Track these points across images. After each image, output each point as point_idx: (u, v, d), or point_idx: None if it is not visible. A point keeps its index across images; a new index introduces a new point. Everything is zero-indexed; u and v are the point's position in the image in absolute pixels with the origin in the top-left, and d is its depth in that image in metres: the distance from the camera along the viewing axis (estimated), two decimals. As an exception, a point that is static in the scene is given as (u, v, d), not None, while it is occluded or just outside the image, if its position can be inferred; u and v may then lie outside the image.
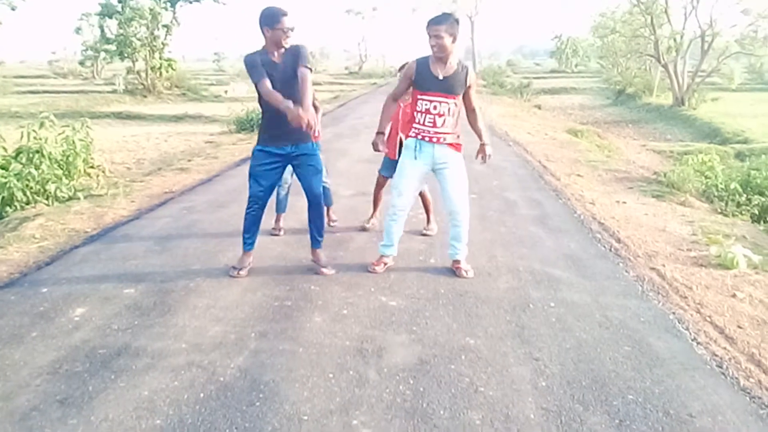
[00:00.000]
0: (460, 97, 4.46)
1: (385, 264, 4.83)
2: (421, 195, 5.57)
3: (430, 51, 4.37)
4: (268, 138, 4.47)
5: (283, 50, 4.28)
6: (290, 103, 4.08)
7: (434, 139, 4.48)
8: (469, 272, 4.71)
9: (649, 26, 26.99)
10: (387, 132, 5.32)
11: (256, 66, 4.22)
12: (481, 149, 4.69)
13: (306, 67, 4.26)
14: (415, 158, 4.55)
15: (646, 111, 27.03)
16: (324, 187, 5.64)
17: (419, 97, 4.45)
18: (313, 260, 4.82)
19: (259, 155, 4.49)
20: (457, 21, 4.37)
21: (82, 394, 3.01)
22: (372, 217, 5.95)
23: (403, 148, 4.74)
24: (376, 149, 4.70)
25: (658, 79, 30.63)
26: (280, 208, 5.84)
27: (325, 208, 4.83)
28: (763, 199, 8.45)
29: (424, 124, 4.47)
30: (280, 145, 4.43)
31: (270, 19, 4.18)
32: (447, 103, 4.40)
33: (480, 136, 4.69)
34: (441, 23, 4.25)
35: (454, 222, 4.71)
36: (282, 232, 5.75)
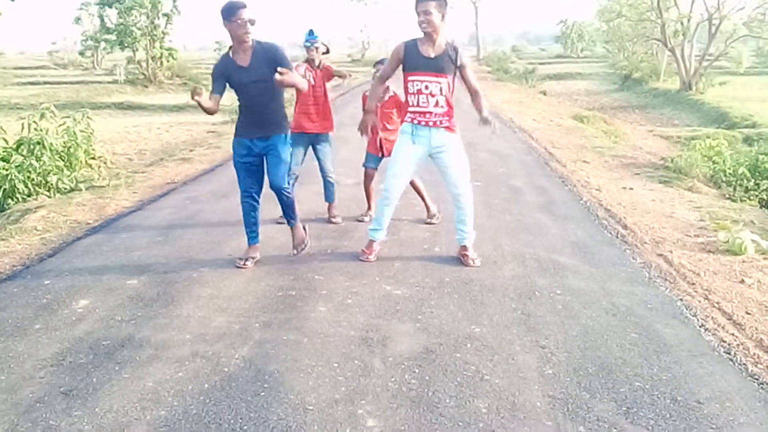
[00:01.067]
0: (452, 77, 4.42)
1: (375, 250, 4.79)
2: (412, 184, 5.51)
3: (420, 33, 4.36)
4: (241, 129, 4.47)
5: (248, 47, 4.21)
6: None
7: (430, 123, 4.45)
8: (476, 261, 4.67)
9: (656, 10, 26.72)
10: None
11: (214, 81, 4.28)
12: (482, 120, 4.51)
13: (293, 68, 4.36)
14: (413, 143, 4.52)
15: (653, 96, 26.83)
16: (329, 182, 5.63)
17: (410, 78, 4.41)
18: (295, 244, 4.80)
19: (236, 147, 4.50)
20: (446, 0, 4.33)
21: (87, 386, 2.99)
22: (369, 209, 5.90)
23: (399, 133, 4.70)
24: (364, 131, 4.68)
25: (665, 64, 30.37)
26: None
27: (294, 199, 4.81)
28: (771, 184, 8.37)
29: (418, 105, 4.43)
30: (251, 136, 4.41)
31: (227, 12, 4.10)
32: (438, 82, 4.37)
33: (480, 112, 4.54)
34: (430, 0, 4.22)
35: (458, 205, 4.68)
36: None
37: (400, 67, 4.51)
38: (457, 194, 4.63)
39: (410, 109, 4.50)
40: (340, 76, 5.96)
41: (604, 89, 31.40)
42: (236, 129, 4.51)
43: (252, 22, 4.13)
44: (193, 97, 4.07)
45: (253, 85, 4.25)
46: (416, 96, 4.43)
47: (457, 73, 4.46)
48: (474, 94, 4.56)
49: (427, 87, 4.38)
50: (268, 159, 4.50)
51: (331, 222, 5.82)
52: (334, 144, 5.75)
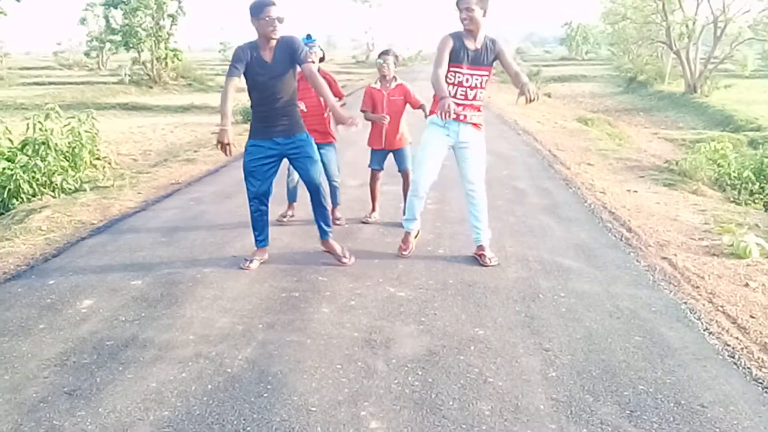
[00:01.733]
0: (490, 68, 4.49)
1: (412, 243, 4.88)
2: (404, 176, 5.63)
3: (458, 29, 4.39)
4: (259, 131, 4.41)
5: (273, 44, 4.23)
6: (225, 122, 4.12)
7: (461, 117, 4.46)
8: (494, 260, 4.69)
9: (661, 12, 26.67)
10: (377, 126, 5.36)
11: (235, 61, 4.19)
12: (522, 89, 4.28)
13: (307, 62, 4.27)
14: (444, 135, 4.54)
15: (658, 99, 26.77)
16: (333, 186, 5.61)
17: (452, 69, 4.39)
18: (327, 251, 4.79)
19: (253, 150, 4.43)
20: None
21: (90, 386, 3.00)
22: (373, 211, 5.90)
23: (428, 123, 4.68)
24: (448, 113, 4.12)
25: (670, 66, 30.32)
26: (292, 197, 5.84)
27: (330, 207, 4.80)
28: (776, 188, 8.35)
29: (455, 96, 4.41)
30: (272, 136, 4.38)
31: (256, 9, 4.14)
32: (480, 75, 4.44)
33: (518, 82, 4.35)
34: None
35: (471, 201, 4.70)
36: (286, 219, 5.75)
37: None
38: (472, 190, 4.66)
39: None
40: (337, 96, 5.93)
41: (608, 92, 31.35)
42: (252, 131, 4.43)
43: (281, 20, 4.16)
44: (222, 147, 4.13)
45: (273, 81, 4.26)
46: (455, 87, 4.43)
47: (494, 64, 4.51)
48: (515, 76, 4.44)
49: (468, 80, 4.42)
50: (299, 161, 4.48)
51: (335, 224, 5.83)
52: (338, 147, 5.73)
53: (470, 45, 4.37)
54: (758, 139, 14.76)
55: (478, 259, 4.72)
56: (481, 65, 4.41)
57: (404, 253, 4.83)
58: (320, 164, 4.57)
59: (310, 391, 2.96)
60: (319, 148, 5.40)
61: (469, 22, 4.29)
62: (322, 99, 4.98)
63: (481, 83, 4.45)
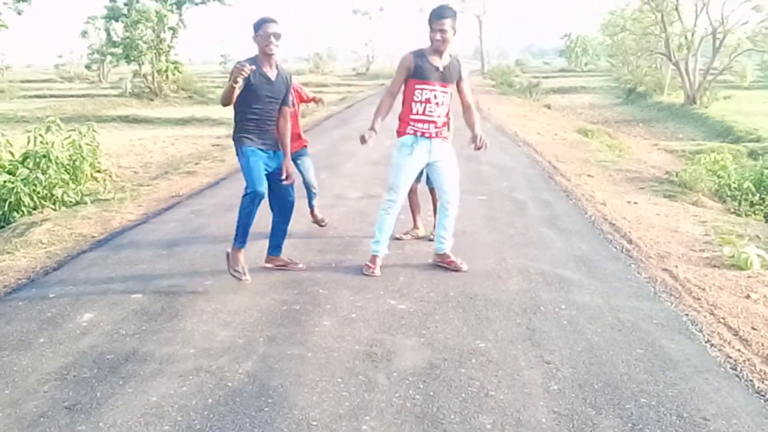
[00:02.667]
0: (455, 87, 4.56)
1: (378, 265, 4.78)
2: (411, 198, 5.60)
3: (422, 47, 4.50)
4: (252, 141, 4.43)
5: (273, 62, 4.38)
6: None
7: (431, 134, 4.53)
8: (464, 265, 4.78)
9: (660, 24, 26.79)
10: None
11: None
12: (473, 138, 4.58)
13: (288, 106, 4.59)
14: (411, 154, 4.58)
15: (657, 110, 26.83)
16: (312, 193, 5.87)
17: (418, 87, 4.47)
18: (278, 265, 4.82)
19: (252, 153, 4.43)
20: (455, 14, 4.46)
21: (90, 400, 2.99)
22: (415, 227, 5.79)
23: (399, 146, 4.66)
24: (363, 142, 4.52)
25: (669, 78, 30.41)
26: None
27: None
28: (776, 198, 8.36)
29: (424, 114, 4.49)
30: (265, 149, 4.49)
31: (256, 26, 4.32)
32: (446, 92, 4.51)
33: (473, 128, 4.60)
34: (446, 17, 4.35)
35: (445, 213, 4.76)
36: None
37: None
38: (448, 201, 4.73)
39: (413, 117, 4.54)
40: (315, 101, 6.03)
41: (608, 103, 31.43)
42: (246, 140, 4.43)
43: (277, 36, 4.30)
44: (237, 76, 4.04)
45: (269, 100, 4.41)
46: (423, 104, 4.49)
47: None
48: (467, 109, 4.65)
49: (435, 96, 4.48)
50: (277, 177, 4.60)
51: (321, 225, 5.92)
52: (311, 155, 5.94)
53: (436, 62, 4.43)
54: (758, 150, 14.79)
55: (447, 266, 4.79)
56: (447, 82, 4.50)
57: (374, 272, 4.68)
58: (309, 181, 4.68)
59: (311, 404, 2.95)
60: (295, 158, 5.39)
61: (441, 43, 4.37)
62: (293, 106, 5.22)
63: (449, 100, 4.53)
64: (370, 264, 4.77)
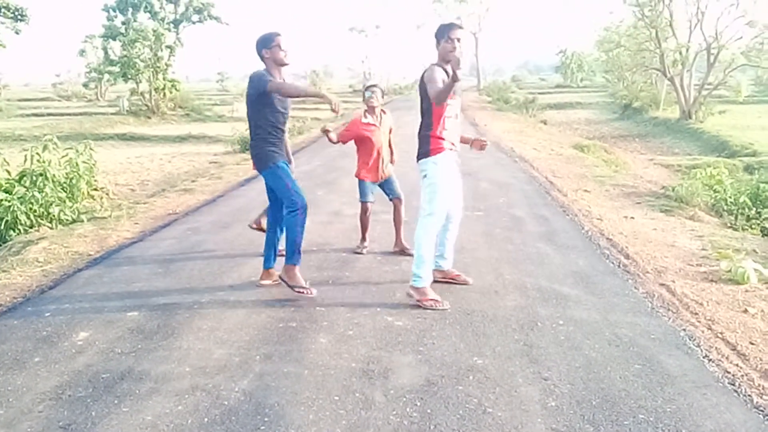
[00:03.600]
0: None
1: (455, 277, 4.86)
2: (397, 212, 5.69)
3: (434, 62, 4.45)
4: (279, 154, 4.54)
5: (284, 74, 4.50)
6: (317, 90, 4.39)
7: (456, 148, 4.54)
8: (470, 278, 4.82)
9: (654, 40, 27.00)
10: (373, 158, 5.40)
11: (262, 76, 4.35)
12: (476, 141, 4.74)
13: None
14: (454, 169, 4.56)
15: (653, 125, 26.96)
16: None
17: (449, 101, 4.34)
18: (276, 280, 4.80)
19: (286, 165, 4.59)
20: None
21: (85, 420, 2.97)
22: (363, 240, 5.86)
23: (443, 162, 4.43)
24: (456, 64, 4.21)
25: (665, 93, 30.60)
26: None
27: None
28: (772, 213, 8.37)
29: (453, 129, 4.46)
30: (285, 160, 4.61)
31: (266, 41, 4.43)
32: (457, 105, 4.52)
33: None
34: (461, 28, 4.40)
35: (449, 227, 4.72)
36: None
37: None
38: (454, 215, 4.71)
39: (444, 135, 4.41)
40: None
41: (604, 118, 31.57)
42: (275, 154, 4.52)
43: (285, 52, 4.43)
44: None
45: (284, 112, 4.56)
46: (452, 120, 4.46)
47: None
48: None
49: (454, 109, 4.48)
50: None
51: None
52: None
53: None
54: (754, 165, 14.85)
55: (453, 279, 4.80)
56: (458, 95, 4.49)
57: (438, 305, 4.41)
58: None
59: (307, 423, 2.93)
60: None
61: (459, 53, 4.32)
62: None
63: (456, 115, 4.52)
64: (430, 298, 4.44)
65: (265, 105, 4.42)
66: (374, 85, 5.56)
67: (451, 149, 4.46)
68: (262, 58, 4.45)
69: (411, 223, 5.83)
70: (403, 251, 5.69)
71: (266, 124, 4.47)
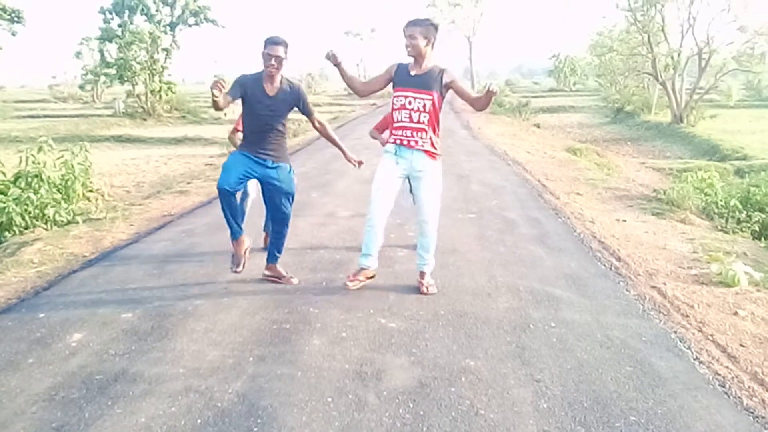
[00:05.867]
0: (437, 96, 4.50)
1: (365, 278, 4.81)
2: None
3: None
4: (248, 148, 4.66)
5: (275, 80, 4.54)
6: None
7: (411, 143, 4.53)
8: (431, 288, 4.73)
9: (647, 44, 27.17)
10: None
11: (234, 85, 4.50)
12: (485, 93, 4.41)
13: (314, 114, 4.82)
14: (396, 162, 4.59)
15: (645, 129, 27.10)
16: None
17: (396, 93, 4.56)
18: (272, 275, 4.97)
19: (239, 154, 4.67)
20: (435, 26, 4.52)
21: (79, 421, 2.97)
22: None
23: (383, 154, 4.71)
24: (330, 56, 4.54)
25: (657, 97, 30.77)
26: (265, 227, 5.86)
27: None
28: (763, 216, 8.45)
29: (401, 120, 4.54)
30: (260, 157, 4.64)
31: (266, 42, 4.49)
32: (422, 98, 4.48)
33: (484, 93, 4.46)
34: (416, 25, 4.44)
35: (422, 232, 4.74)
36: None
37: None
38: (424, 221, 4.69)
39: (395, 127, 4.60)
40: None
41: (596, 122, 31.70)
42: (242, 146, 4.73)
43: (278, 60, 4.47)
44: (212, 88, 4.16)
45: (268, 115, 4.58)
46: (399, 111, 4.55)
47: (446, 95, 4.58)
48: (476, 102, 4.53)
49: (410, 102, 4.50)
50: (276, 190, 4.73)
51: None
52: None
53: (413, 71, 4.52)
54: (744, 168, 14.98)
55: (418, 287, 4.76)
56: (422, 88, 4.48)
57: (347, 283, 4.72)
58: (291, 198, 4.82)
59: (300, 425, 2.95)
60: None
61: (411, 49, 4.45)
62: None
63: (424, 107, 4.48)
64: (351, 277, 4.77)
65: (247, 106, 4.61)
66: None
67: (397, 141, 4.58)
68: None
69: (404, 224, 5.89)
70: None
71: (246, 122, 4.69)
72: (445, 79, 4.50)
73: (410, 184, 4.95)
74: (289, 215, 4.84)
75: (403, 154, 4.57)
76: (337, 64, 4.52)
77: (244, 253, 4.85)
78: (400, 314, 4.31)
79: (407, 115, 4.51)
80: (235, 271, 4.86)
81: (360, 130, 18.37)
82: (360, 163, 4.97)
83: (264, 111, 4.56)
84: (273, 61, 4.44)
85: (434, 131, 4.57)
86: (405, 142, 4.55)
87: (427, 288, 4.71)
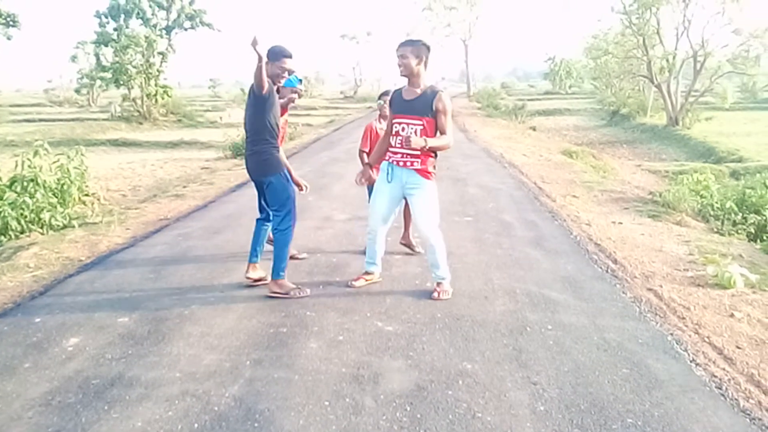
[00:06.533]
0: (430, 120, 4.51)
1: (367, 280, 4.97)
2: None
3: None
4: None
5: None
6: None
7: (401, 163, 4.61)
8: (443, 294, 4.72)
9: (642, 47, 27.25)
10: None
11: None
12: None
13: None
14: (388, 181, 4.69)
15: (641, 131, 27.19)
16: None
17: (393, 120, 4.64)
18: (255, 280, 4.94)
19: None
20: (426, 47, 4.57)
21: (75, 426, 2.97)
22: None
23: (379, 172, 4.86)
24: (360, 182, 4.96)
25: (652, 100, 30.88)
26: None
27: None
28: (758, 218, 8.47)
29: (395, 146, 4.62)
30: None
31: (275, 55, 4.57)
32: (413, 124, 4.51)
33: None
34: (407, 45, 4.51)
35: (426, 248, 4.82)
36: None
37: None
38: (424, 237, 4.75)
39: (390, 149, 4.69)
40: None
41: (592, 125, 31.79)
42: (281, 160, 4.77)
43: (290, 72, 4.65)
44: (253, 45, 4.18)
45: (277, 120, 4.70)
46: (395, 137, 4.62)
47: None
48: (441, 133, 4.57)
49: (404, 129, 4.55)
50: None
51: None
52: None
53: (407, 96, 4.56)
54: (740, 170, 15.02)
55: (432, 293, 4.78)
56: (414, 115, 4.50)
57: (353, 283, 4.92)
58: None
59: (297, 429, 2.95)
60: None
61: (403, 68, 4.50)
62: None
63: (416, 132, 4.48)
64: (355, 278, 4.98)
65: (268, 110, 4.56)
66: (386, 93, 5.62)
67: (390, 160, 4.68)
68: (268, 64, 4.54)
69: (401, 227, 5.88)
70: (408, 246, 5.87)
71: (271, 129, 4.63)
72: (435, 105, 4.49)
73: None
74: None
75: (395, 173, 4.66)
76: (372, 167, 4.90)
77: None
78: (397, 317, 4.31)
79: (400, 141, 4.57)
80: (305, 295, 4.72)
81: (356, 134, 18.36)
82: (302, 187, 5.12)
83: (277, 116, 4.68)
84: (285, 74, 4.68)
85: (429, 154, 4.59)
86: (396, 162, 4.64)
87: (439, 294, 4.72)
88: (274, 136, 4.66)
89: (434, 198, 4.69)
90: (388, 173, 4.68)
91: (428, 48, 4.56)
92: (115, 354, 3.75)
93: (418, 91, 4.53)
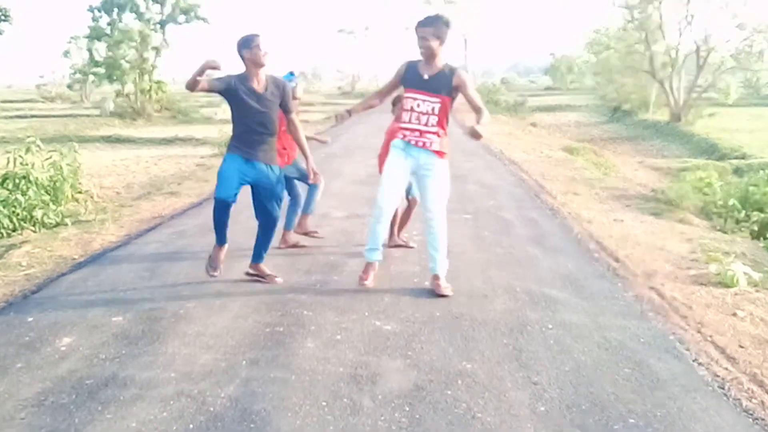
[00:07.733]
0: (447, 99, 4.48)
1: (373, 272, 4.83)
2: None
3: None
4: (239, 149, 4.62)
5: (262, 76, 4.55)
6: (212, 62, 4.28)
7: (419, 143, 4.53)
8: (448, 290, 4.66)
9: (644, 42, 27.19)
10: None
11: (219, 78, 4.52)
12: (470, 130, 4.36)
13: (293, 113, 4.80)
14: (405, 158, 4.59)
15: (643, 127, 27.10)
16: (314, 186, 5.88)
17: (405, 95, 4.58)
18: (255, 274, 4.96)
19: (230, 159, 4.64)
20: (446, 24, 4.49)
21: (68, 427, 2.91)
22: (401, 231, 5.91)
23: (390, 148, 4.74)
24: (337, 120, 4.99)
25: (654, 95, 30.76)
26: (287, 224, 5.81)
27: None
28: (762, 216, 8.41)
29: (410, 122, 4.53)
30: (251, 159, 4.61)
31: (246, 42, 4.51)
32: (430, 101, 4.47)
33: (478, 120, 4.41)
34: (428, 25, 4.41)
35: (429, 230, 4.71)
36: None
37: None
38: (430, 218, 4.66)
39: (402, 125, 4.60)
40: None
41: (593, 121, 31.71)
42: (233, 148, 4.64)
43: (267, 53, 4.52)
44: (204, 65, 4.22)
45: (263, 111, 4.56)
46: (409, 113, 4.53)
47: (456, 96, 4.52)
48: (476, 111, 4.49)
49: (419, 105, 4.48)
50: (266, 192, 4.70)
51: (314, 236, 5.95)
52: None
53: (424, 72, 4.47)
54: (743, 167, 14.92)
55: (433, 288, 4.69)
56: (431, 92, 4.46)
57: (365, 282, 4.76)
58: (280, 201, 4.83)
59: (294, 429, 2.89)
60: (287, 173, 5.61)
61: (424, 50, 4.44)
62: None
63: (433, 110, 4.46)
64: (363, 275, 4.80)
65: (237, 105, 4.58)
66: (399, 99, 5.56)
67: (406, 139, 4.58)
68: (243, 58, 4.53)
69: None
70: (400, 246, 5.84)
71: (235, 122, 4.66)
72: (455, 82, 4.45)
73: (414, 182, 4.91)
74: (279, 218, 4.84)
75: (411, 152, 4.57)
76: (350, 114, 4.82)
77: (222, 259, 4.84)
78: (395, 316, 4.25)
79: (416, 118, 4.51)
80: (212, 275, 4.81)
81: (354, 130, 18.35)
82: (316, 175, 5.08)
83: (255, 110, 4.53)
84: (266, 52, 4.50)
85: (442, 132, 4.56)
86: (413, 142, 4.55)
87: (444, 289, 4.65)
88: (233, 131, 4.70)
89: (447, 177, 4.68)
90: (404, 149, 4.58)
91: (448, 25, 4.49)
92: (108, 354, 3.69)
93: (437, 68, 4.46)
